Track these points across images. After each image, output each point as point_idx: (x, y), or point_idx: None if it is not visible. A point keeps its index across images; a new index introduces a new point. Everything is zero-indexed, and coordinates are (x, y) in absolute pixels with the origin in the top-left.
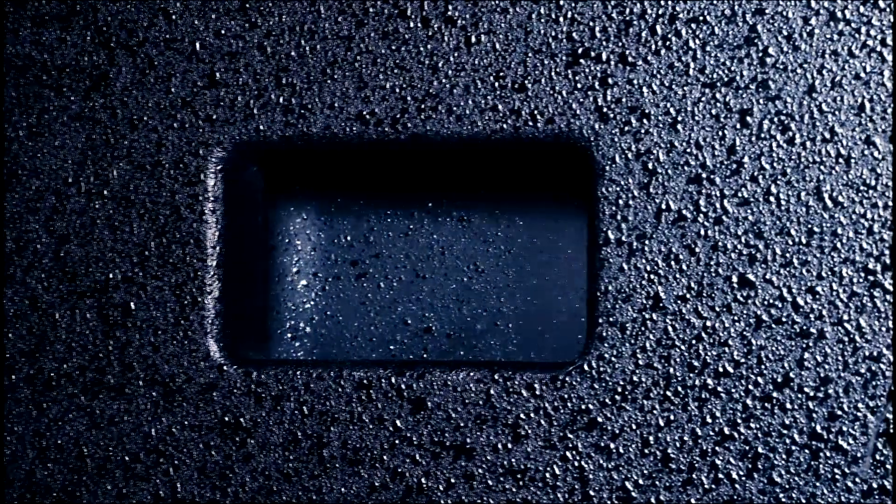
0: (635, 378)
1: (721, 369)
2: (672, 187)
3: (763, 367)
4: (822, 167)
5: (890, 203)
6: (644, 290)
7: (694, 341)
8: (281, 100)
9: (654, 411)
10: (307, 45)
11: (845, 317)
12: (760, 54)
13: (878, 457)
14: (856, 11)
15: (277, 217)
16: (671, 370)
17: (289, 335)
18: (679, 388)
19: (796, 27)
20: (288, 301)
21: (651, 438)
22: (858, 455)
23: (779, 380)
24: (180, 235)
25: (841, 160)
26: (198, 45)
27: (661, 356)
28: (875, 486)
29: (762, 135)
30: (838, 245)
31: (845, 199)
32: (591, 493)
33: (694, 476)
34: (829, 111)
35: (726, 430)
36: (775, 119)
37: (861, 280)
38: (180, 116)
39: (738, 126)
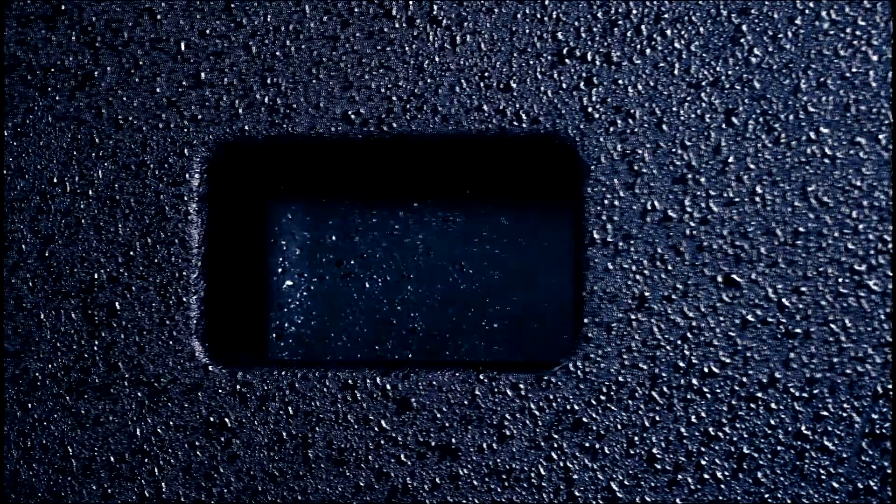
0: (621, 378)
1: (706, 370)
2: (657, 187)
3: (749, 367)
4: (807, 167)
5: (875, 203)
6: (630, 290)
7: (679, 342)
8: (266, 100)
9: (640, 412)
10: (292, 45)
11: (831, 317)
12: (745, 54)
13: (863, 457)
14: (841, 11)
15: (263, 217)
16: (657, 370)
17: (274, 335)
18: (664, 389)
19: (781, 27)
20: (273, 301)
21: (636, 439)
22: (845, 456)
23: (764, 380)
24: (165, 235)
25: (826, 160)
26: (183, 45)
27: (647, 356)
28: (861, 486)
29: (747, 135)
30: (824, 245)
31: (831, 200)
32: (577, 493)
33: (679, 476)
34: (815, 111)
35: (711, 431)
36: (760, 119)
37: (847, 281)
38: (165, 116)
39: (724, 126)
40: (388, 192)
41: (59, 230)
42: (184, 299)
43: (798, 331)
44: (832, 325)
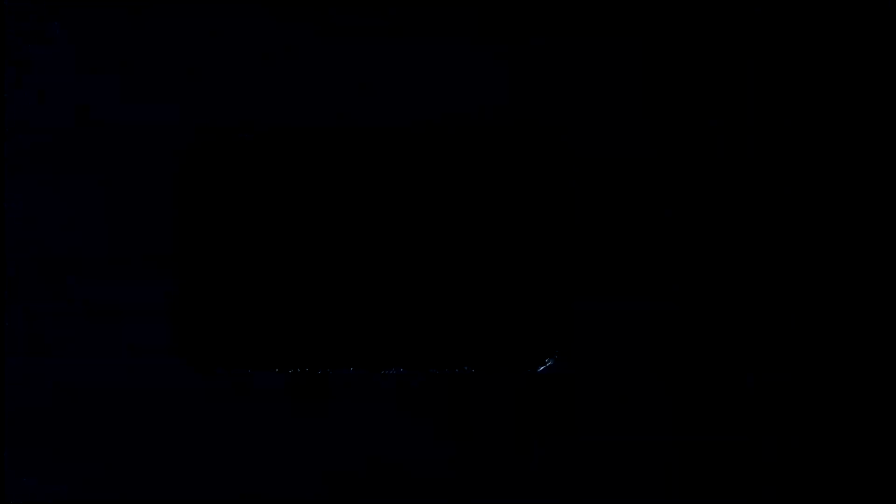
0: (609, 377)
1: (696, 369)
2: (648, 184)
3: (739, 367)
4: (797, 168)
5: (866, 203)
6: (618, 288)
7: (670, 340)
8: (245, 92)
9: (628, 411)
10: (271, 38)
11: (823, 318)
12: (737, 52)
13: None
14: (826, 12)
15: (242, 215)
16: (645, 369)
17: (251, 336)
18: (653, 388)
19: (773, 25)
20: (254, 302)
21: (623, 440)
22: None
23: (756, 381)
24: (141, 234)
25: (814, 161)
26: (162, 43)
27: (636, 355)
28: (854, 488)
29: (740, 132)
30: (812, 246)
31: (818, 200)
32: (563, 493)
33: (667, 477)
34: (804, 112)
35: (698, 432)
36: (753, 116)
37: (841, 279)
38: (140, 111)
39: (717, 123)
40: (373, 189)
41: (32, 230)
42: (159, 299)
43: (790, 331)
44: (824, 326)
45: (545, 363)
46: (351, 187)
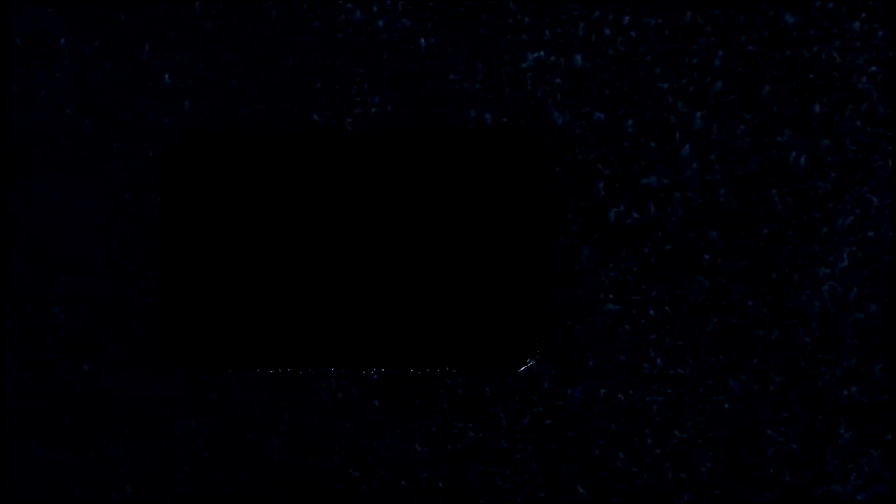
0: (589, 377)
1: (674, 370)
2: (628, 185)
3: (717, 368)
4: (782, 167)
5: (845, 206)
6: (598, 289)
7: (647, 341)
8: (242, 93)
9: (608, 412)
10: (256, 43)
11: (802, 319)
12: (712, 57)
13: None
14: (802, 12)
15: (222, 217)
16: (625, 370)
17: (236, 337)
18: (632, 390)
19: (746, 30)
20: (235, 303)
21: (604, 441)
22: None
23: (733, 382)
24: (125, 234)
25: (801, 160)
26: (147, 45)
27: (616, 356)
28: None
29: (721, 130)
30: (799, 244)
31: (804, 199)
32: (543, 494)
33: (645, 477)
34: (782, 113)
35: (677, 432)
36: (732, 114)
37: (816, 282)
38: (139, 111)
39: (698, 122)
40: (356, 190)
41: (32, 229)
42: (144, 299)
43: (767, 333)
44: (803, 327)
45: (527, 363)
46: (334, 189)
